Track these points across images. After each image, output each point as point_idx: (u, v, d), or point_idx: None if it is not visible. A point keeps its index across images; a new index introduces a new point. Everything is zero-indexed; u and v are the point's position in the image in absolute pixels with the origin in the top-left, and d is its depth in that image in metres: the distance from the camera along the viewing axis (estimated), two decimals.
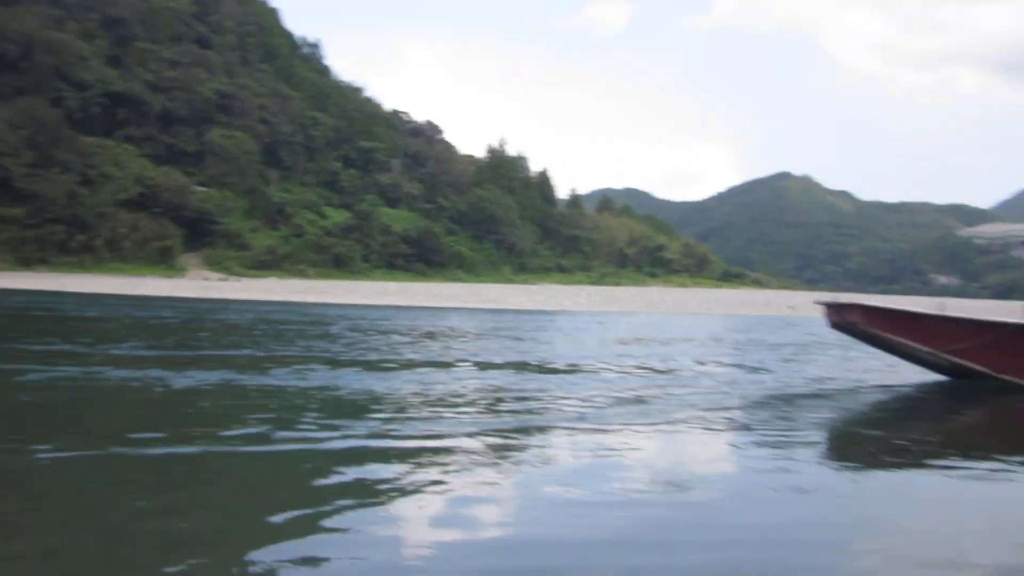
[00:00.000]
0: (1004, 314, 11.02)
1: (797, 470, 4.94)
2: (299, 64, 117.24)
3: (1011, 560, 3.24)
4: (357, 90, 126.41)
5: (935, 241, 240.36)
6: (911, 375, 9.94)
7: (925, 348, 9.17)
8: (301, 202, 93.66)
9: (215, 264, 76.40)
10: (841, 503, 4.14)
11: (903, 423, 7.49)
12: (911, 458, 5.36)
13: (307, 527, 3.38)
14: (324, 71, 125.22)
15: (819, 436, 6.29)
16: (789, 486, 4.42)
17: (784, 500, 4.13)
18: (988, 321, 9.26)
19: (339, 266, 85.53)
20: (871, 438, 6.32)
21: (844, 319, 9.39)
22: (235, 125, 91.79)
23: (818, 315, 10.34)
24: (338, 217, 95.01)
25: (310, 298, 34.98)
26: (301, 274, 78.91)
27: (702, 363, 11.39)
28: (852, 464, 5.36)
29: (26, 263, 60.44)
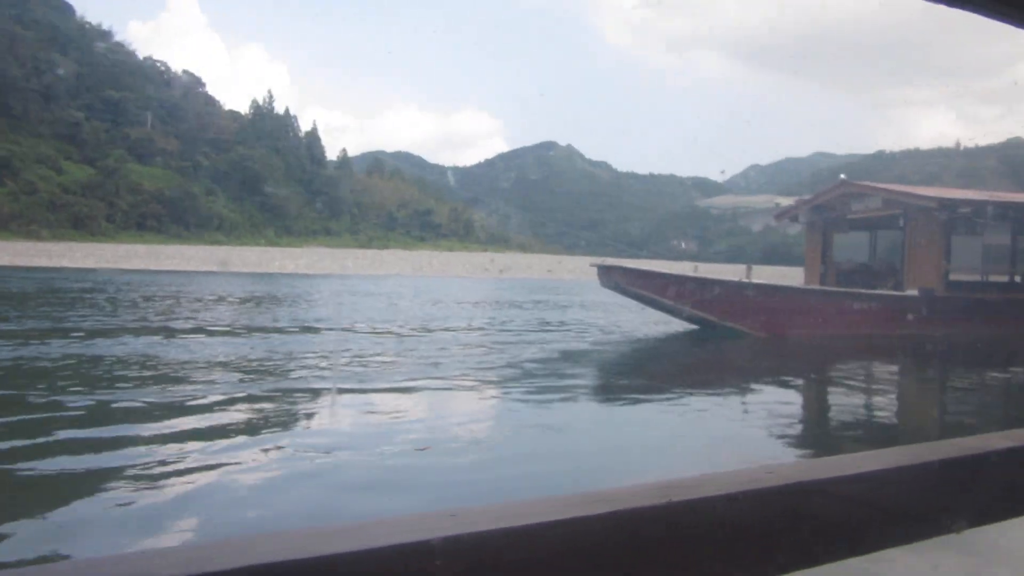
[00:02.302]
0: (734, 275, 12.93)
1: (551, 412, 5.52)
2: (33, 0, 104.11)
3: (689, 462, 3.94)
4: (105, 34, 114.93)
5: (679, 210, 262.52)
6: (668, 327, 11.30)
7: (670, 302, 10.86)
8: (32, 156, 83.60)
9: None
10: (581, 436, 4.72)
11: (643, 367, 8.47)
12: (641, 396, 6.15)
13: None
14: (64, 9, 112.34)
15: (574, 382, 6.97)
16: (543, 424, 4.95)
17: (538, 436, 4.65)
18: (713, 279, 10.99)
19: (79, 227, 77.72)
20: (613, 384, 7.12)
21: (611, 279, 10.98)
22: None
23: (574, 278, 11.35)
24: (79, 173, 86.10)
25: (41, 262, 31.80)
26: (34, 236, 70.89)
27: (469, 324, 11.94)
28: (596, 403, 6.05)
29: None
